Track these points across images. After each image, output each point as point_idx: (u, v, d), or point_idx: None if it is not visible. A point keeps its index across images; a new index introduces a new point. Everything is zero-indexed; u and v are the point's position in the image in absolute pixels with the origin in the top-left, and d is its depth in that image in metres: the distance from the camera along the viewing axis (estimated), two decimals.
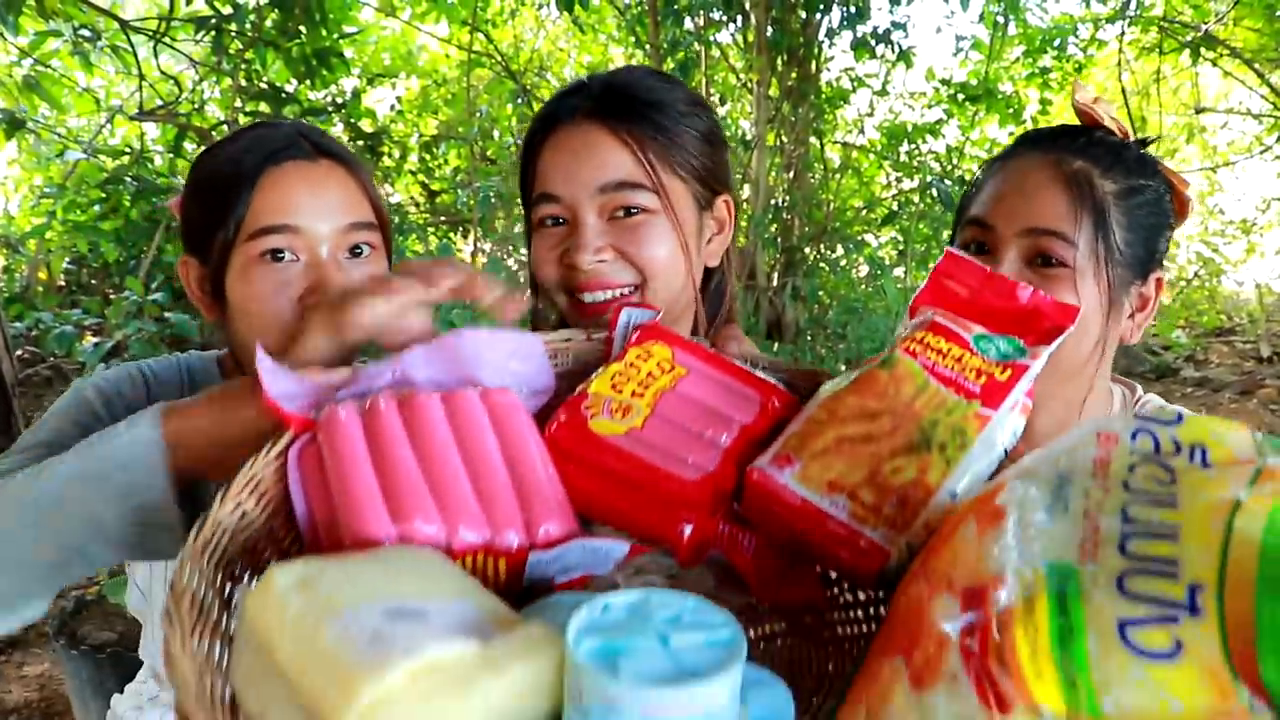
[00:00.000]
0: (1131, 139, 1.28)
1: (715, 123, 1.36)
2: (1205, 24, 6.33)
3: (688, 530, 0.88)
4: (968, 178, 6.77)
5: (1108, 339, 1.26)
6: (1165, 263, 1.30)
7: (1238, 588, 0.54)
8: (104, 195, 5.22)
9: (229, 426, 0.98)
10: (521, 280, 5.68)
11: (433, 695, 0.61)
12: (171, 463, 0.97)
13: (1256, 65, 7.06)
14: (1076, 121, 1.31)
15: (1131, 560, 0.59)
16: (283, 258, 1.20)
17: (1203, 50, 6.70)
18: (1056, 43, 7.03)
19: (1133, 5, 6.40)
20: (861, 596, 0.94)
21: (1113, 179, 1.21)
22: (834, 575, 0.96)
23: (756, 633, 0.93)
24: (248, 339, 1.23)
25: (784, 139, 6.15)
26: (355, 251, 1.25)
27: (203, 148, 1.41)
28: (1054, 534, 0.64)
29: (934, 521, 0.80)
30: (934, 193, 5.53)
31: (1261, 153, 7.95)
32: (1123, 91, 6.55)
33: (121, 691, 1.56)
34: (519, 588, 0.84)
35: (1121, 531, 0.61)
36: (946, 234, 5.87)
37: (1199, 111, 8.43)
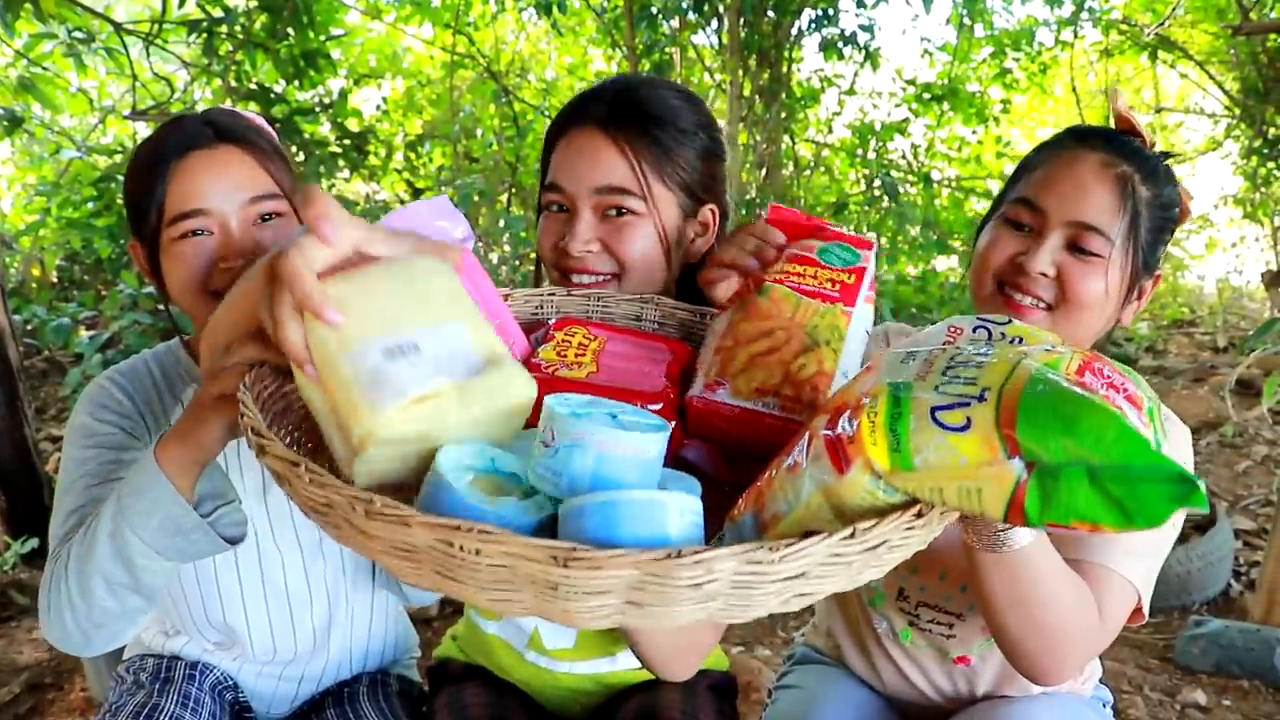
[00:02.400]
0: (1158, 149, 1.46)
1: (717, 142, 1.56)
2: (1152, 27, 6.55)
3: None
4: (936, 175, 6.99)
5: (1113, 320, 1.45)
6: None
7: (1012, 389, 0.79)
8: (97, 193, 5.33)
9: (201, 445, 1.19)
10: (502, 274, 5.86)
11: (417, 421, 0.86)
12: (174, 480, 1.19)
13: (1209, 68, 7.30)
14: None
15: (948, 377, 0.85)
16: (199, 233, 1.43)
17: (1160, 53, 6.93)
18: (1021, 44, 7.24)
19: (1090, 5, 6.60)
20: None
21: (1148, 187, 1.38)
22: None
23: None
24: (182, 300, 1.46)
25: (756, 137, 6.35)
26: (264, 219, 1.46)
27: None
28: (902, 369, 0.90)
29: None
30: (883, 186, 5.73)
31: (1214, 149, 8.17)
32: (1074, 90, 6.77)
33: (121, 653, 1.74)
34: None
35: (945, 368, 0.87)
36: (913, 229, 6.08)
37: (1159, 111, 8.68)
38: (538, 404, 1.09)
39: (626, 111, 1.47)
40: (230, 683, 1.61)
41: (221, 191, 1.43)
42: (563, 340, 1.24)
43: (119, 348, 4.75)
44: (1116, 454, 0.74)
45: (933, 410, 0.81)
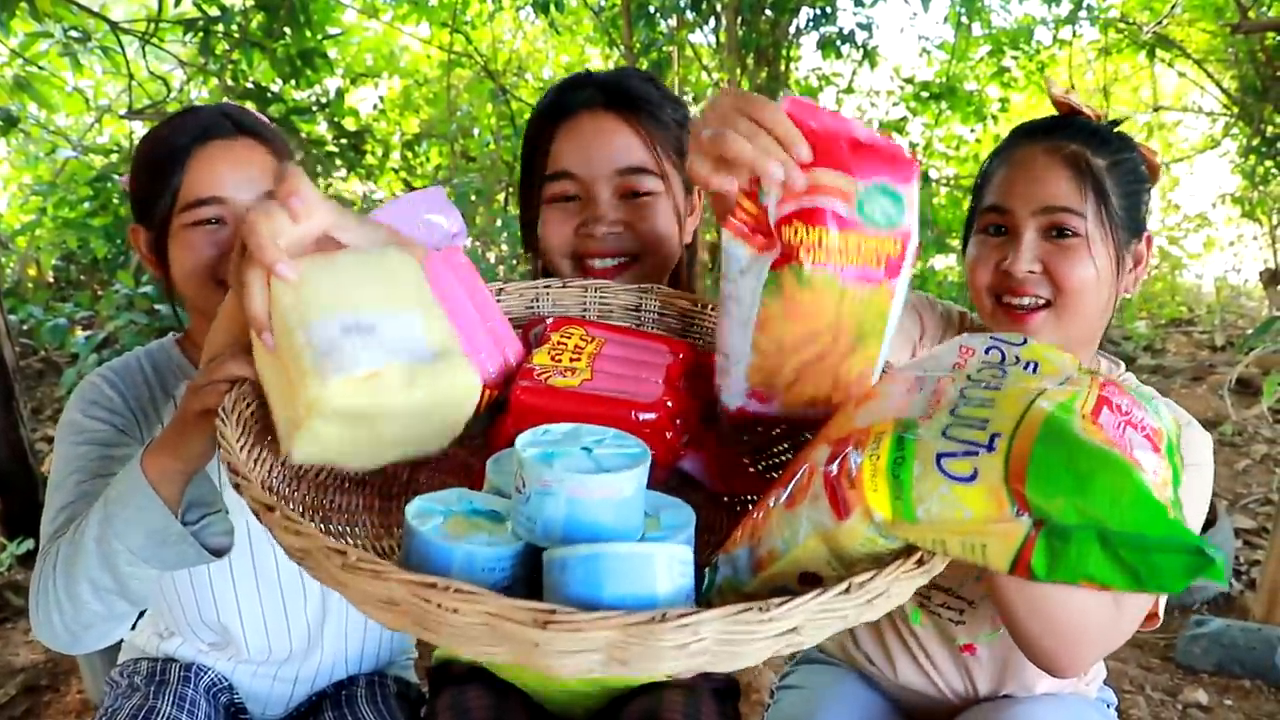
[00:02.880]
0: (1105, 120, 1.48)
1: (690, 116, 1.58)
2: (1150, 25, 6.55)
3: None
4: (933, 174, 6.98)
5: (1117, 294, 1.46)
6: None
7: (1023, 437, 0.76)
8: (93, 193, 5.30)
9: (182, 459, 1.19)
10: (499, 274, 5.84)
11: (361, 396, 0.87)
12: (159, 490, 1.19)
13: (1207, 66, 7.30)
14: (1052, 113, 1.52)
15: (956, 419, 0.81)
16: (212, 223, 1.42)
17: (1158, 51, 6.93)
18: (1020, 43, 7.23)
19: (1088, 3, 6.60)
20: None
21: (1102, 155, 1.40)
22: None
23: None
24: (185, 288, 1.46)
25: None
26: None
27: None
28: (909, 402, 0.88)
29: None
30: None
31: (1212, 148, 8.17)
32: (1072, 87, 6.74)
33: (118, 649, 1.74)
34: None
35: (956, 401, 0.84)
36: None
37: (1157, 109, 8.67)
38: (523, 415, 1.08)
39: (624, 93, 1.48)
40: (225, 684, 1.60)
41: (239, 183, 1.43)
42: (558, 343, 1.21)
43: (115, 348, 4.72)
44: (1132, 521, 0.71)
45: (938, 458, 0.78)
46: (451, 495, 0.92)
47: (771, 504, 0.91)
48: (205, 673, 1.59)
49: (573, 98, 1.51)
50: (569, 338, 1.22)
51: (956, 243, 7.15)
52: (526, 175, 1.58)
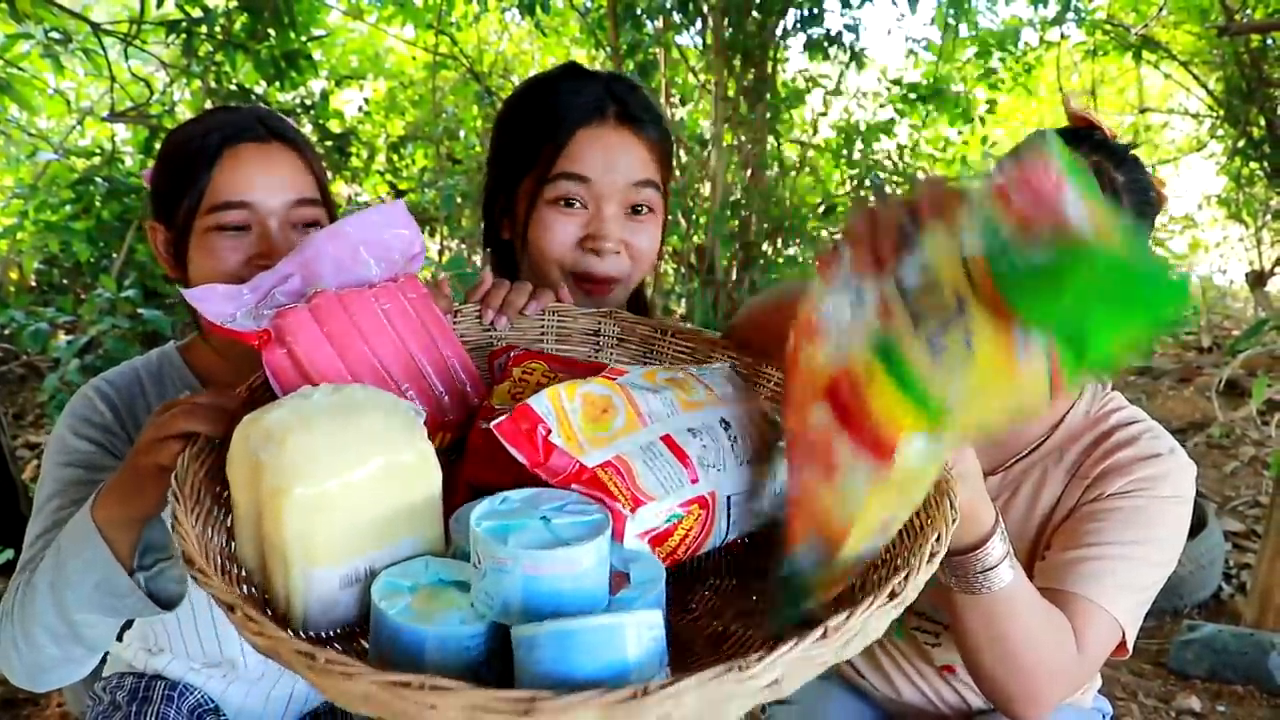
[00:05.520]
0: (1117, 140, 1.46)
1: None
2: (1137, 28, 6.56)
3: None
4: (920, 175, 6.97)
5: None
6: None
7: (981, 280, 0.74)
8: (75, 196, 5.26)
9: (135, 509, 1.14)
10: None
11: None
12: (110, 538, 1.14)
13: (1192, 68, 7.31)
14: (1037, 122, 1.51)
15: (912, 303, 0.80)
16: (239, 229, 1.38)
17: (1144, 53, 6.94)
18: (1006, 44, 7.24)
19: (1075, 4, 6.60)
20: None
21: (1122, 172, 1.38)
22: None
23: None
24: None
25: (741, 138, 6.32)
26: (306, 226, 1.41)
27: None
28: (859, 324, 0.84)
29: None
30: (871, 187, 5.72)
31: (1198, 150, 8.20)
32: (1060, 90, 6.76)
33: (103, 661, 1.66)
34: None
35: (900, 294, 0.81)
36: None
37: (1143, 111, 8.69)
38: (480, 459, 1.05)
39: (639, 108, 1.46)
40: (211, 705, 1.56)
41: (269, 187, 1.39)
42: (520, 378, 1.17)
43: (98, 353, 4.68)
44: (1108, 261, 0.70)
45: (930, 344, 0.77)
46: (418, 565, 0.88)
47: (808, 490, 0.89)
48: (191, 693, 1.55)
49: (588, 99, 1.46)
50: (531, 374, 1.18)
51: None
52: (518, 163, 1.51)
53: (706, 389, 1.11)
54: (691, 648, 1.00)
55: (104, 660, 1.67)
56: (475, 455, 1.06)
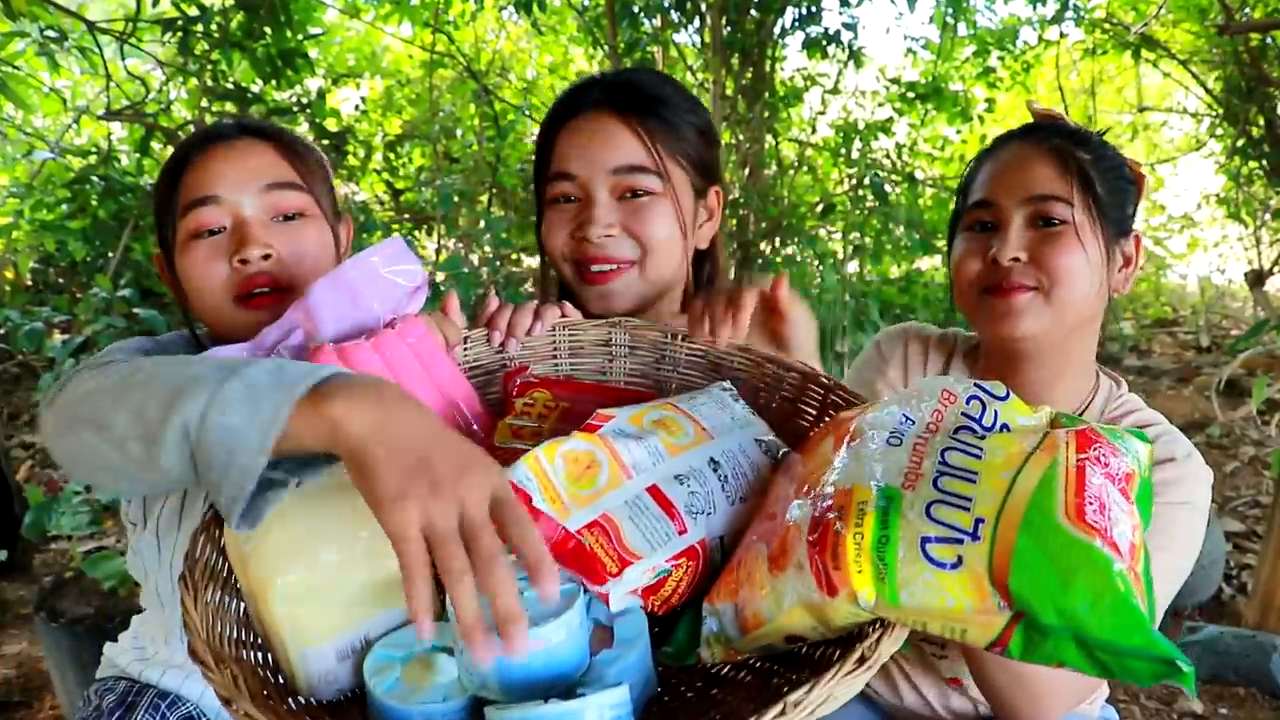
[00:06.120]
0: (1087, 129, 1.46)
1: (709, 121, 1.55)
2: (1136, 26, 6.55)
3: None
4: (918, 175, 6.96)
5: (1107, 291, 1.43)
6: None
7: (1008, 524, 0.77)
8: (71, 195, 5.26)
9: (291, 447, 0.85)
10: (484, 275, 5.79)
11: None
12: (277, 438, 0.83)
13: (1192, 67, 7.30)
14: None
15: (939, 493, 0.81)
16: (213, 232, 1.34)
17: (1143, 52, 6.92)
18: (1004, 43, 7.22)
19: (1074, 3, 6.59)
20: None
21: (1086, 150, 1.38)
22: None
23: None
24: (200, 311, 1.38)
25: (739, 136, 6.30)
26: (287, 218, 1.37)
27: (169, 147, 1.54)
28: (889, 461, 0.86)
29: None
30: (870, 186, 5.71)
31: (1197, 149, 8.19)
32: (1060, 89, 6.75)
33: (98, 664, 1.66)
34: None
35: (937, 469, 0.84)
36: (897, 228, 6.04)
37: (1141, 110, 8.68)
38: None
39: (628, 93, 1.45)
40: (205, 718, 1.54)
41: (236, 178, 1.34)
42: (522, 410, 1.17)
43: (93, 352, 4.65)
44: (1110, 627, 0.72)
45: (923, 542, 0.79)
46: (410, 634, 0.91)
47: (752, 559, 0.91)
48: (181, 704, 1.52)
49: (575, 97, 1.49)
50: (533, 405, 1.18)
51: (943, 244, 7.12)
52: (536, 179, 1.56)
53: (696, 425, 1.09)
54: (686, 691, 1.00)
55: (95, 664, 1.66)
56: None
